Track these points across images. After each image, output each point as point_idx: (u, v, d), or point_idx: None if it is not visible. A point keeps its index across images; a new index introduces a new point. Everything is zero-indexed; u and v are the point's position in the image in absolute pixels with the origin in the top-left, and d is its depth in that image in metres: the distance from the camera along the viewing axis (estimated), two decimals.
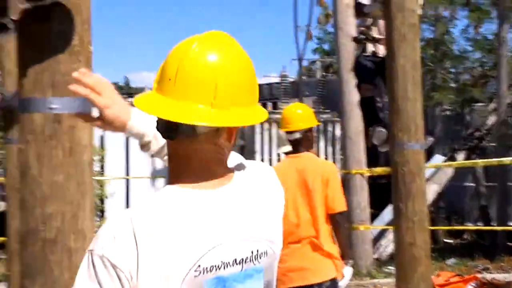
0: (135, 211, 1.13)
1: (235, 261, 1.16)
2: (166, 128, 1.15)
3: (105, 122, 1.31)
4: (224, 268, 1.14)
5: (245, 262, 1.18)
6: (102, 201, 10.13)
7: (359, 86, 7.37)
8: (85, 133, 1.72)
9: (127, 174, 10.90)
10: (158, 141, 1.42)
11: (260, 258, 1.21)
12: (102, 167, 10.84)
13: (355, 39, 7.00)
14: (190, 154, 1.17)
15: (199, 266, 1.11)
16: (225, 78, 1.14)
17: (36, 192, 1.66)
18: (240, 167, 1.27)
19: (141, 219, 1.10)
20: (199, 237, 1.12)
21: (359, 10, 5.83)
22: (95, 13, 1.83)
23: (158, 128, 1.18)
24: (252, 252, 1.19)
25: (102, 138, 10.61)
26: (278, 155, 12.32)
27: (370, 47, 6.85)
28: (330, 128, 13.23)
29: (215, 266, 1.13)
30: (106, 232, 1.10)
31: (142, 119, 1.37)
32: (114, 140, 10.46)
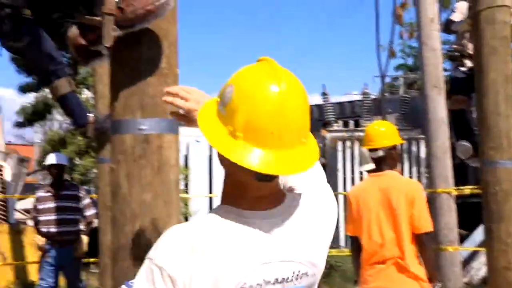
0: (192, 227, 1.21)
1: (277, 280, 1.21)
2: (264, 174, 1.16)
3: (193, 123, 1.39)
4: (266, 286, 1.20)
5: (286, 281, 1.22)
6: (186, 219, 10.39)
7: (450, 97, 7.11)
8: (172, 153, 1.78)
9: (210, 192, 11.12)
10: None
11: (301, 278, 1.25)
12: (186, 185, 11.13)
13: (450, 57, 6.80)
14: (251, 184, 1.20)
15: (245, 283, 1.17)
16: (308, 114, 1.20)
17: (126, 210, 1.73)
18: (295, 187, 1.32)
19: (197, 235, 1.18)
20: (246, 256, 1.18)
21: (448, 28, 5.67)
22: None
23: (257, 176, 1.17)
24: (293, 273, 1.24)
25: (186, 157, 10.91)
26: (361, 173, 12.11)
27: (467, 63, 6.62)
28: (414, 146, 12.86)
29: (259, 284, 1.19)
30: (166, 244, 1.19)
31: None
32: (197, 159, 10.73)
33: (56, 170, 5.72)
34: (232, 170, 1.20)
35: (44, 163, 6.82)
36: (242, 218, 1.20)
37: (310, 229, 1.28)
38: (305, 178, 1.36)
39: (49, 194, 5.70)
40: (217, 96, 1.25)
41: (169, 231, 1.22)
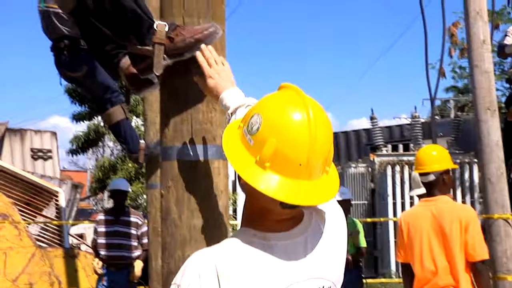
0: (217, 252, 1.21)
1: None
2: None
3: (207, 89, 1.64)
4: None
5: None
6: None
7: (508, 109, 6.90)
8: (221, 179, 1.79)
9: None
10: (236, 115, 1.53)
11: None
12: (234, 210, 11.15)
13: (507, 80, 6.65)
14: (275, 210, 1.21)
15: None
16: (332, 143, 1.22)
17: (176, 235, 1.74)
18: (309, 208, 1.32)
19: (222, 261, 1.18)
20: (272, 278, 1.19)
21: (501, 52, 5.55)
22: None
23: (282, 204, 1.18)
24: None
25: (234, 183, 10.95)
26: (411, 198, 11.83)
27: None
28: (467, 171, 12.50)
29: None
30: (192, 269, 1.19)
31: (233, 95, 1.57)
32: None
33: (118, 196, 5.90)
34: (256, 197, 1.20)
35: (97, 189, 6.99)
36: (265, 241, 1.21)
37: (330, 245, 1.30)
38: None
39: (110, 218, 5.87)
40: (241, 121, 1.26)
41: (194, 256, 1.23)
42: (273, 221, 1.23)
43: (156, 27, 1.81)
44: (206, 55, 1.68)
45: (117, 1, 1.76)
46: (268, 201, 1.17)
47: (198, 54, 1.69)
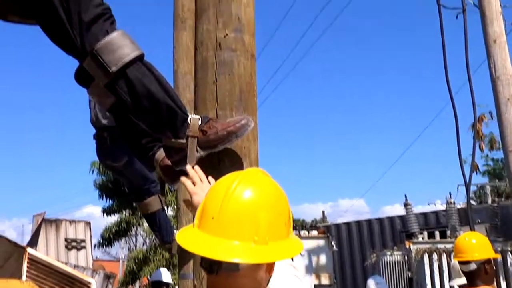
0: None
1: None
2: (210, 263, 1.19)
3: (192, 207, 1.62)
4: None
5: None
6: None
7: None
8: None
9: None
10: None
11: None
12: None
13: None
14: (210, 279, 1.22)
15: None
16: (266, 215, 1.19)
17: None
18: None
19: None
20: None
21: None
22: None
23: (201, 264, 1.22)
24: None
25: None
26: None
27: None
28: (509, 259, 11.98)
29: None
30: None
31: None
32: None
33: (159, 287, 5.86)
34: None
35: (130, 281, 6.97)
36: None
37: None
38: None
39: None
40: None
41: None
42: None
43: (190, 120, 1.87)
44: (191, 174, 1.70)
45: (153, 97, 1.84)
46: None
47: (182, 177, 1.72)
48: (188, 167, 1.73)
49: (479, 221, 13.91)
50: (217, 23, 1.98)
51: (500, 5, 6.53)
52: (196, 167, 1.74)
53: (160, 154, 2.07)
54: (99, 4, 1.81)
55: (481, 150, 13.36)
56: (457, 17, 6.65)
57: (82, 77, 1.84)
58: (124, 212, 16.76)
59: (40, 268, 8.06)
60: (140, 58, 1.84)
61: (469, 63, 6.61)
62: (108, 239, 17.81)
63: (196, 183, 1.67)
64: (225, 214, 1.19)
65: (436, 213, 17.71)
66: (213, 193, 1.24)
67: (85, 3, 1.76)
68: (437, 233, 13.97)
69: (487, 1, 6.46)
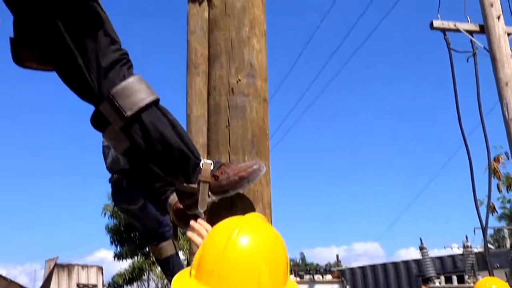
0: None
1: None
2: None
3: None
4: None
5: None
6: None
7: None
8: None
9: None
10: None
11: None
12: None
13: None
14: None
15: None
16: (267, 268, 1.18)
17: None
18: None
19: None
20: None
21: None
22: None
23: None
24: None
25: None
26: None
27: None
28: None
29: None
30: None
31: None
32: None
33: None
34: None
35: None
36: None
37: None
38: None
39: None
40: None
41: None
42: None
43: (202, 165, 1.87)
44: (196, 228, 1.70)
45: (166, 141, 1.85)
46: None
47: (188, 231, 1.73)
48: (192, 222, 1.73)
49: (498, 265, 13.60)
50: (229, 69, 2.00)
51: (510, 49, 6.58)
52: (200, 220, 1.75)
53: (173, 198, 2.07)
54: (117, 50, 1.83)
55: (499, 190, 13.21)
56: (467, 60, 6.71)
57: (98, 121, 1.86)
58: (136, 257, 16.68)
59: None
60: (155, 103, 1.86)
61: (481, 104, 6.62)
62: (120, 285, 17.67)
63: (203, 236, 1.65)
64: (226, 269, 1.17)
65: (452, 257, 17.37)
66: (211, 243, 1.22)
67: (103, 49, 1.79)
68: (454, 278, 13.66)
69: (497, 45, 6.52)
